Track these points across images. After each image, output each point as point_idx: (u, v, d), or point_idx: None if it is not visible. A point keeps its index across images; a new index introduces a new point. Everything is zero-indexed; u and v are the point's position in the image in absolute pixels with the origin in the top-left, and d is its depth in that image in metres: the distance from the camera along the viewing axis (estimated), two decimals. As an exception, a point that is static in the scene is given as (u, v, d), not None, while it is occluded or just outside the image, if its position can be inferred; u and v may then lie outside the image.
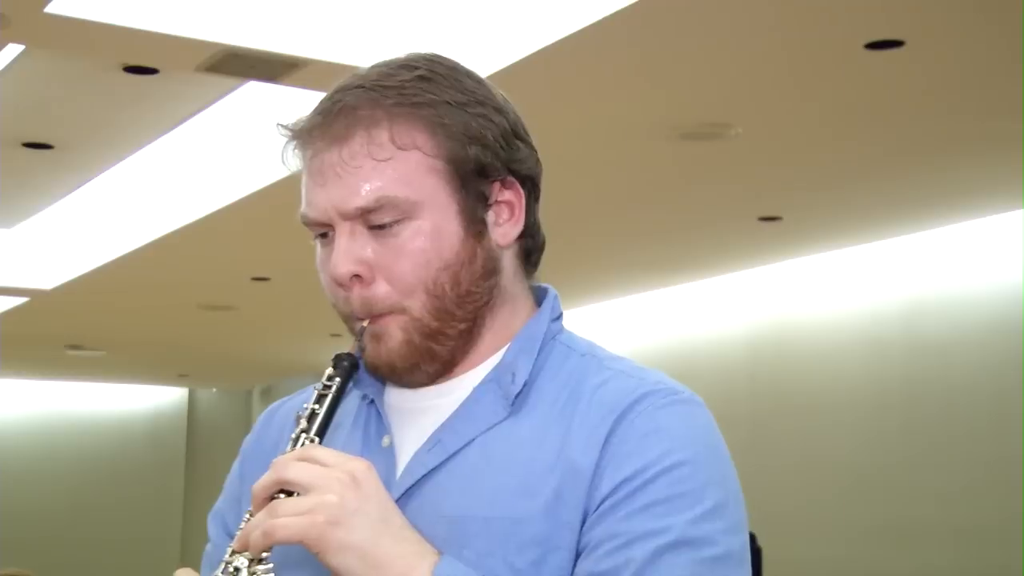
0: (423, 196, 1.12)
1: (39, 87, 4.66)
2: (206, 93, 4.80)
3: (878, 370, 6.49)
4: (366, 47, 4.01)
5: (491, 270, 1.16)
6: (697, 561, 1.03)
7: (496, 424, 1.13)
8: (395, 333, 1.14)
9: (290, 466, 1.04)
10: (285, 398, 1.34)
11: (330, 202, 1.13)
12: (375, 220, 1.12)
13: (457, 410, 1.15)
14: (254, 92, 4.80)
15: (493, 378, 1.15)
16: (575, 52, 3.79)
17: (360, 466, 1.05)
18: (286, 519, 1.02)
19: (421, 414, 1.16)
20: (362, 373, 1.19)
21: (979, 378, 5.96)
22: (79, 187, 6.04)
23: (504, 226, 1.17)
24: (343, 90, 1.16)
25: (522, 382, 1.14)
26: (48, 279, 7.52)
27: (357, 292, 1.14)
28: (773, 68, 4.02)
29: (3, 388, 12.16)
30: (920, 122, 4.56)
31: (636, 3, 3.45)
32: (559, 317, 1.22)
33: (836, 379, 6.70)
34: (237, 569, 1.03)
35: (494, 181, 1.15)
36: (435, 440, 1.14)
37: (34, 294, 7.81)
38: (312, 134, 1.15)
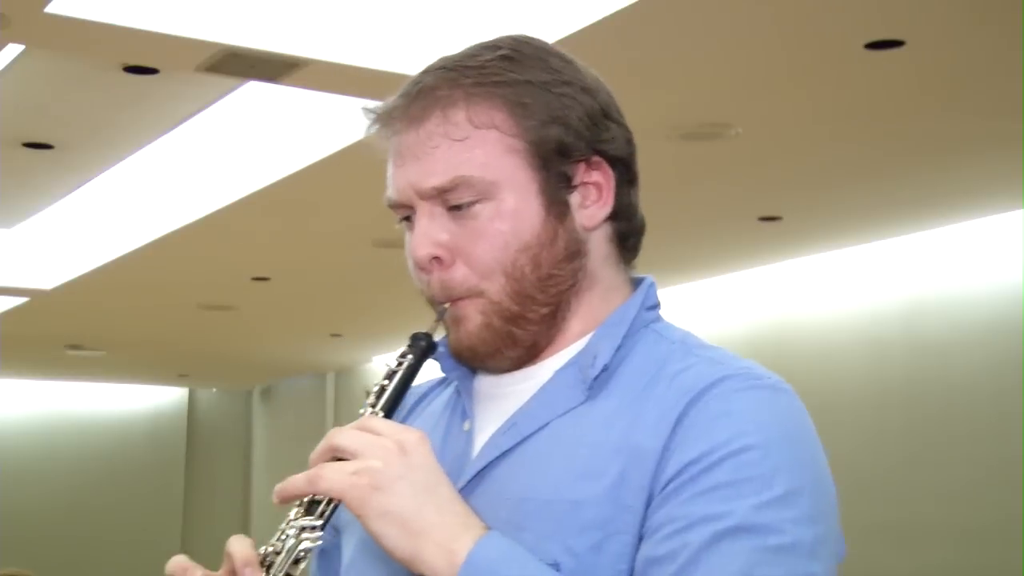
0: (501, 176, 1.10)
1: (39, 87, 4.66)
2: (206, 93, 4.80)
3: (878, 370, 6.49)
4: (366, 47, 4.01)
5: (575, 252, 1.13)
6: (758, 549, 0.98)
7: (572, 408, 1.10)
8: (474, 316, 1.12)
9: (343, 433, 1.04)
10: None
11: (407, 182, 1.13)
12: (453, 200, 1.11)
13: (536, 393, 1.13)
14: (254, 92, 4.80)
15: (574, 362, 1.13)
16: (574, 52, 3.78)
17: (411, 436, 1.04)
18: (330, 473, 1.01)
19: (503, 399, 1.15)
20: (451, 360, 1.18)
21: (979, 378, 5.96)
22: (79, 187, 6.04)
23: (591, 208, 1.14)
24: (426, 72, 1.14)
25: (601, 365, 1.11)
26: (48, 279, 7.52)
27: (436, 275, 1.12)
28: (773, 68, 4.02)
29: (3, 388, 12.16)
30: (920, 122, 4.56)
31: (636, 3, 3.45)
32: (655, 306, 1.19)
33: (836, 379, 6.70)
34: (287, 535, 1.03)
35: (578, 162, 1.13)
36: (511, 423, 1.12)
37: (34, 294, 7.81)
38: (392, 116, 1.14)
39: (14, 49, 4.23)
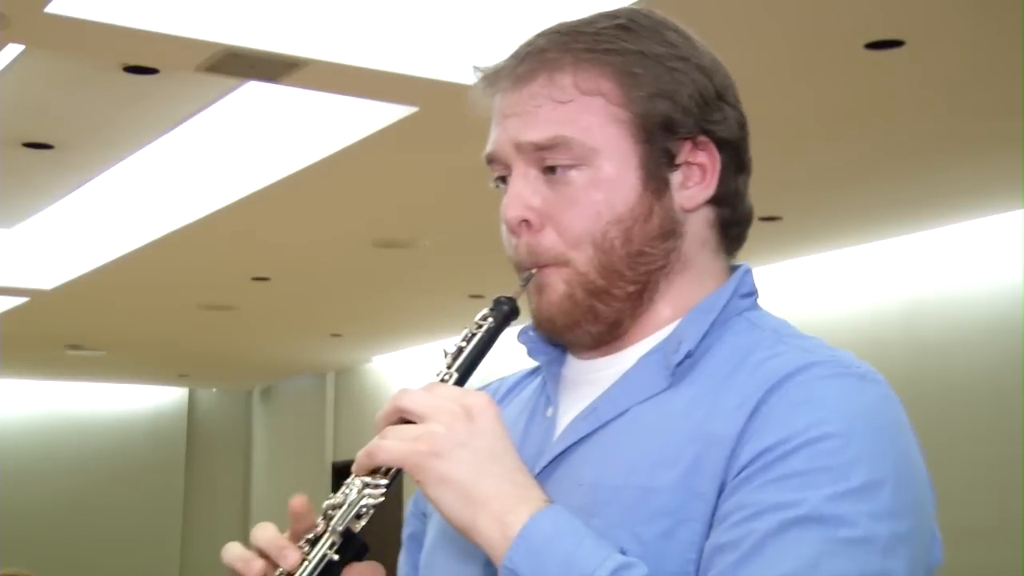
0: (601, 144, 1.07)
1: (39, 87, 4.66)
2: (206, 93, 4.80)
3: (878, 370, 6.48)
4: (366, 47, 4.01)
5: (669, 232, 1.09)
6: (827, 540, 0.93)
7: (654, 395, 1.07)
8: (557, 286, 1.09)
9: (408, 394, 1.02)
10: (499, 380, 1.30)
11: (507, 136, 1.10)
12: (549, 160, 1.08)
13: (619, 379, 1.10)
14: (254, 92, 4.80)
15: (660, 348, 1.09)
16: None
17: (478, 400, 1.01)
18: (390, 442, 0.99)
19: (588, 385, 1.12)
20: (539, 345, 1.16)
21: (979, 378, 5.96)
22: (79, 187, 6.05)
23: (692, 189, 1.10)
24: (540, 34, 1.13)
25: (685, 351, 1.07)
26: (48, 279, 7.52)
27: (524, 239, 1.09)
28: (773, 68, 4.02)
29: (3, 388, 12.16)
30: (920, 122, 4.56)
31: (636, 3, 3.45)
32: (750, 294, 1.14)
33: (836, 379, 6.69)
34: (352, 487, 1.02)
35: (684, 140, 1.09)
36: (591, 408, 1.10)
37: (34, 294, 7.81)
38: (499, 75, 1.12)
39: (14, 49, 4.23)
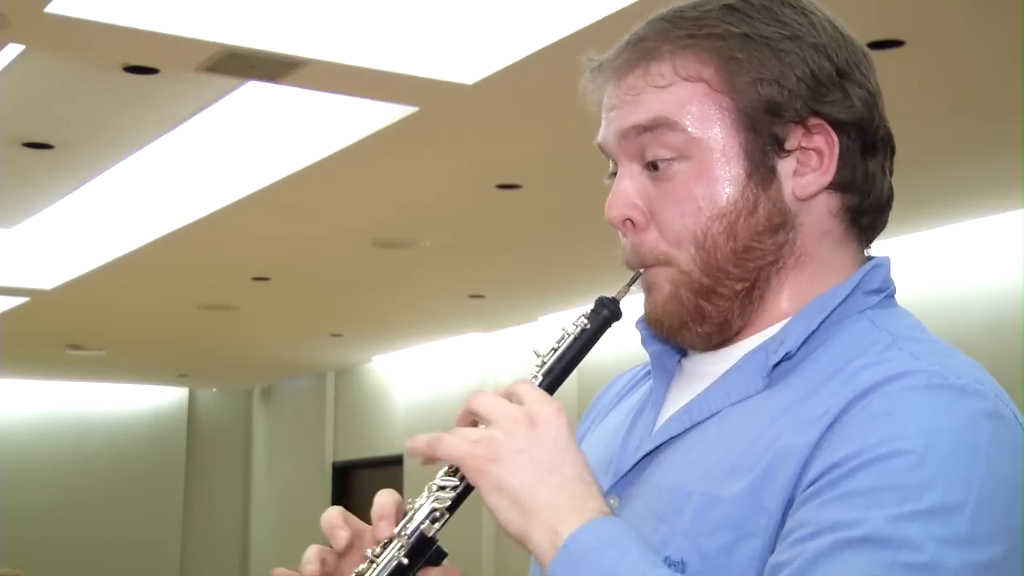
0: (703, 133, 1.03)
1: (39, 87, 4.66)
2: (206, 93, 4.80)
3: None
4: (366, 47, 4.01)
5: (778, 225, 1.04)
6: (885, 563, 0.85)
7: (748, 397, 1.02)
8: (663, 286, 1.05)
9: (479, 397, 1.00)
10: (618, 376, 1.28)
11: (610, 131, 1.08)
12: (651, 153, 1.04)
13: (719, 378, 1.05)
14: (254, 92, 4.80)
15: (764, 347, 1.04)
16: (576, 52, 3.79)
17: (546, 409, 0.98)
18: (451, 438, 0.98)
19: (697, 378, 1.08)
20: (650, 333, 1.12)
21: (979, 378, 5.95)
22: (79, 187, 6.04)
23: (808, 176, 1.04)
24: (647, 22, 1.09)
25: (783, 352, 1.01)
26: (48, 279, 7.52)
27: (629, 238, 1.07)
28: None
29: (3, 388, 12.16)
30: (920, 122, 4.56)
31: (636, 3, 3.45)
32: (878, 290, 1.09)
33: (836, 379, 6.68)
34: (430, 490, 1.02)
35: (795, 125, 1.03)
36: (685, 408, 1.06)
37: (34, 294, 7.81)
38: (603, 67, 1.10)
39: (14, 49, 4.23)
